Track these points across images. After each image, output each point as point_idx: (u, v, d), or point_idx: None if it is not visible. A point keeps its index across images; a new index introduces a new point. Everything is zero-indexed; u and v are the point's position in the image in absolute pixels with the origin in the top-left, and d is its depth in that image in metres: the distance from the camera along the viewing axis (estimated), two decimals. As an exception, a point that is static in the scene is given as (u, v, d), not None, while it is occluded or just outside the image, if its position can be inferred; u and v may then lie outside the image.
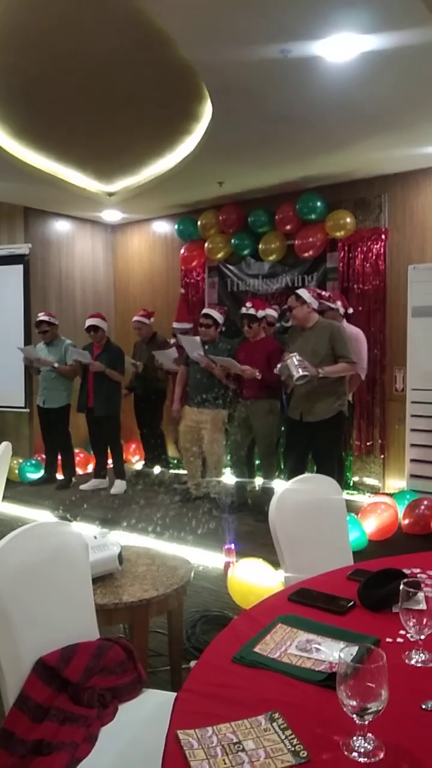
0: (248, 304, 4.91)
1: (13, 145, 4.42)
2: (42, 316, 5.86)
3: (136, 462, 6.84)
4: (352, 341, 4.40)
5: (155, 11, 2.82)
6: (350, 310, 5.27)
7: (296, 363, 3.98)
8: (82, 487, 5.80)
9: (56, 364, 5.69)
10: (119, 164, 4.99)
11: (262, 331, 4.94)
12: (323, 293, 4.89)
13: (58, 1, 2.72)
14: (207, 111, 4.05)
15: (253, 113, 4.09)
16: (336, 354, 4.19)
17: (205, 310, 5.26)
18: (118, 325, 7.46)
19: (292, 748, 1.03)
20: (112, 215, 7.12)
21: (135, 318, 6.14)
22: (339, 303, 4.98)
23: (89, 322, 5.63)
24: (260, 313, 4.86)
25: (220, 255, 6.34)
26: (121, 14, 2.84)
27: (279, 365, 4.17)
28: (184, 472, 5.80)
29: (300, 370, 3.96)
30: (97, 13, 2.82)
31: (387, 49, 3.15)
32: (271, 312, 5.43)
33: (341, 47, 3.16)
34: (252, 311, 4.83)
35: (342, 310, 5.00)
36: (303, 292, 4.35)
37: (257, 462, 5.37)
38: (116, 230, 7.62)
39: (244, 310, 4.91)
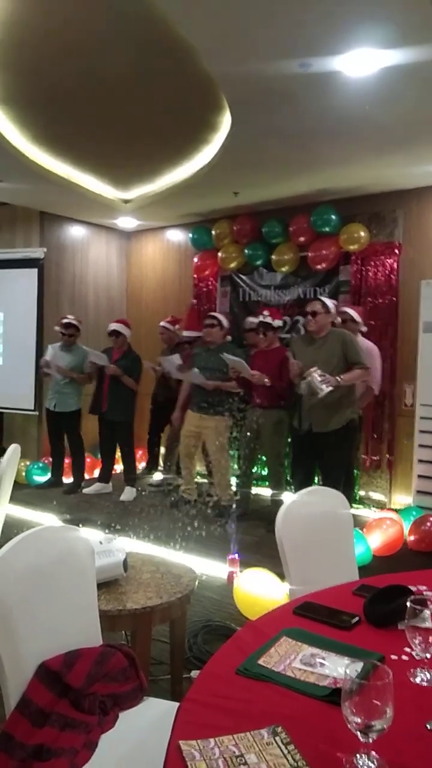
0: (266, 313, 4.98)
1: (31, 150, 4.47)
2: (71, 319, 5.89)
3: (141, 468, 6.85)
4: (365, 353, 4.39)
5: (177, 22, 2.85)
6: (364, 329, 5.26)
7: (319, 379, 3.96)
8: (86, 490, 5.83)
9: (75, 375, 5.73)
10: (136, 172, 5.03)
11: (276, 340, 4.99)
12: (340, 308, 4.89)
13: (81, 10, 2.75)
14: (225, 122, 4.08)
15: (271, 125, 4.11)
16: (349, 361, 4.17)
17: (210, 313, 5.33)
18: (132, 330, 7.46)
19: (295, 764, 1.02)
20: (127, 222, 7.16)
21: (161, 324, 6.20)
22: (359, 318, 4.96)
23: (112, 326, 5.69)
24: (276, 323, 4.92)
25: (233, 265, 6.37)
26: (144, 24, 2.87)
27: (302, 384, 4.14)
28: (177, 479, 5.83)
29: (324, 386, 3.95)
30: (120, 22, 2.85)
31: (407, 64, 3.16)
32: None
33: (361, 62, 3.17)
34: (269, 320, 4.89)
35: (361, 325, 4.98)
36: (328, 302, 4.33)
37: (264, 472, 5.36)
38: (131, 237, 7.66)
39: (261, 318, 4.96)
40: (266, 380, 4.68)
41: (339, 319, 4.42)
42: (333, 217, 5.58)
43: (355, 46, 3.03)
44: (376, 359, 4.97)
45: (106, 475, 5.93)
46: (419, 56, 3.09)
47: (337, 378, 4.03)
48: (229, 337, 5.32)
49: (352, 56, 3.12)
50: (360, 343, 4.48)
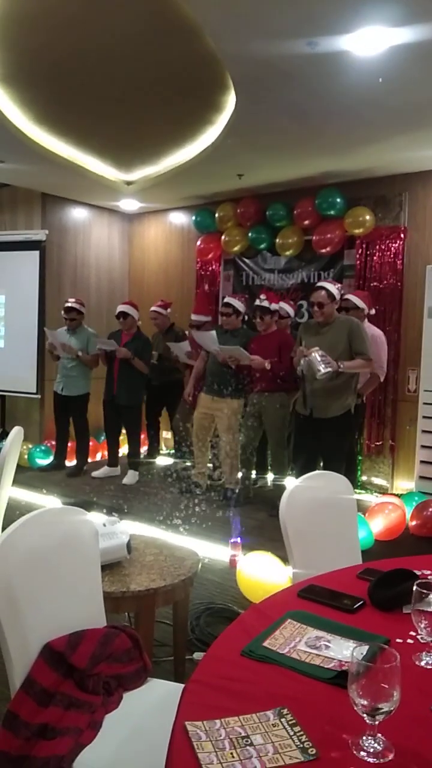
0: (262, 296, 4.93)
1: (34, 130, 4.42)
2: (73, 303, 5.82)
3: (144, 452, 6.85)
4: (370, 341, 4.36)
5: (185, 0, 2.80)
6: (372, 311, 5.21)
7: (319, 359, 3.95)
8: (94, 474, 5.81)
9: (80, 353, 5.70)
10: (139, 153, 4.97)
11: (274, 324, 4.96)
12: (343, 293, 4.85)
13: (86, -15, 2.70)
14: (230, 102, 4.02)
15: (276, 106, 4.05)
16: (353, 350, 4.14)
17: (226, 299, 5.28)
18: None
19: (301, 745, 1.02)
20: (129, 204, 7.10)
21: (152, 308, 6.12)
22: (364, 303, 4.92)
23: (120, 308, 5.63)
24: (273, 306, 4.89)
25: (236, 248, 6.32)
26: (150, 1, 2.82)
27: (302, 361, 4.13)
28: (189, 463, 5.83)
29: (323, 366, 3.94)
30: (128, 1, 2.80)
31: (415, 42, 3.10)
32: (286, 307, 5.40)
33: (369, 41, 3.11)
34: (266, 303, 4.86)
35: (366, 310, 4.94)
36: (332, 288, 4.25)
37: (259, 456, 5.37)
38: (133, 219, 7.60)
39: (258, 302, 4.93)
40: (267, 364, 4.67)
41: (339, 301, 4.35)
42: (338, 200, 5.53)
43: (363, 24, 2.97)
44: (382, 346, 4.94)
45: (114, 459, 5.92)
46: (428, 34, 3.03)
47: (339, 364, 4.01)
48: (245, 317, 5.30)
49: (360, 35, 3.06)
50: (366, 330, 4.44)
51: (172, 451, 6.55)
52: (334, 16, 2.92)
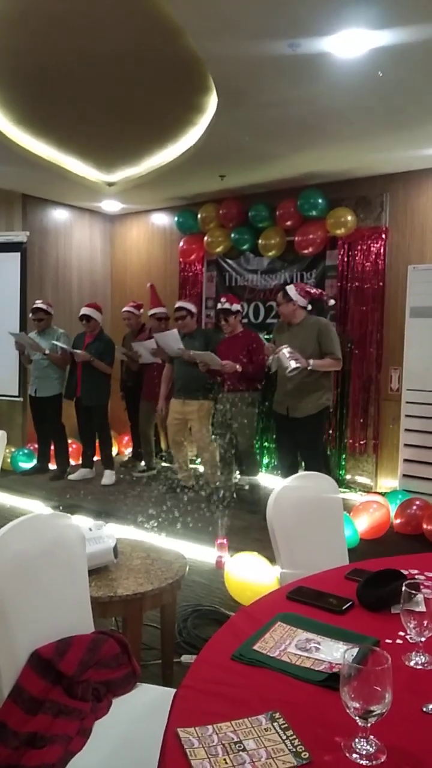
0: (222, 300, 5.01)
1: (14, 131, 4.37)
2: (39, 304, 5.82)
3: (129, 454, 6.82)
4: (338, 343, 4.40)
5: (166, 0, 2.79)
6: (332, 302, 5.18)
7: (288, 355, 4.02)
8: (70, 477, 5.80)
9: (47, 351, 5.66)
10: (120, 154, 4.95)
11: (239, 325, 4.99)
12: (312, 290, 4.87)
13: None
14: (212, 103, 4.02)
15: (258, 107, 4.06)
16: (323, 350, 4.22)
17: (178, 303, 5.36)
18: (115, 316, 7.41)
19: (294, 749, 1.02)
20: (111, 205, 7.07)
21: (124, 309, 6.19)
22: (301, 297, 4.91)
23: (83, 311, 5.65)
24: (234, 307, 4.93)
25: (219, 249, 6.32)
26: (132, 1, 2.81)
27: (270, 358, 4.19)
28: (168, 465, 5.83)
29: (292, 362, 4.00)
30: (109, 1, 2.78)
31: (396, 45, 3.12)
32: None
33: (350, 43, 3.13)
34: (226, 305, 4.91)
35: (304, 304, 4.88)
36: (290, 290, 4.36)
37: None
38: (115, 221, 7.57)
39: (219, 305, 4.98)
40: (237, 367, 4.70)
41: (304, 302, 4.37)
42: (320, 201, 5.55)
43: (344, 26, 2.98)
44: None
45: (88, 461, 5.90)
46: (408, 37, 3.05)
47: (308, 361, 4.05)
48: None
49: (341, 37, 3.07)
50: (333, 327, 4.50)
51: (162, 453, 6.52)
52: (315, 18, 2.93)
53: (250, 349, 4.80)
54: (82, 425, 5.80)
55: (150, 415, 5.88)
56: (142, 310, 6.20)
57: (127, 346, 6.12)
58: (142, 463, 6.16)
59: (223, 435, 5.03)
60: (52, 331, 5.82)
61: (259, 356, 4.72)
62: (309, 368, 4.08)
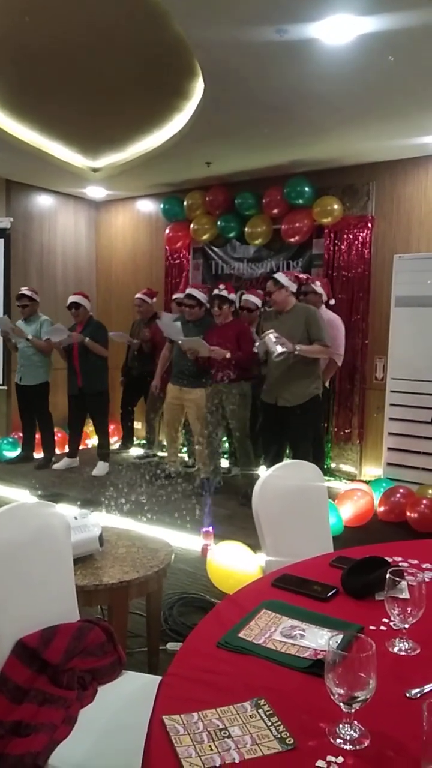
0: (221, 287, 4.97)
1: (-2, 116, 4.31)
2: (24, 291, 5.76)
3: (114, 442, 6.81)
4: (328, 327, 4.42)
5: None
6: (332, 301, 5.28)
7: (274, 340, 4.02)
8: (55, 466, 5.76)
9: (30, 336, 5.61)
10: (106, 140, 4.90)
11: (230, 314, 4.99)
12: (301, 276, 4.89)
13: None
14: (198, 89, 3.98)
15: (245, 93, 4.02)
16: (311, 338, 4.21)
17: (188, 291, 5.27)
18: (100, 303, 7.37)
19: (279, 735, 1.03)
20: (96, 192, 7.00)
21: (137, 295, 6.10)
22: (323, 290, 5.00)
23: (71, 299, 5.57)
24: (232, 296, 4.92)
25: (205, 236, 6.28)
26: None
27: (257, 343, 4.19)
28: (164, 454, 5.83)
29: (278, 346, 4.00)
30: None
31: (384, 31, 3.10)
32: (253, 299, 5.40)
33: (338, 29, 3.11)
34: (224, 293, 4.89)
35: (325, 297, 5.02)
36: (280, 276, 4.36)
37: (230, 445, 5.40)
38: (100, 207, 7.50)
39: (216, 291, 4.96)
40: (227, 354, 4.70)
41: (294, 288, 4.40)
42: (306, 189, 5.54)
43: (331, 12, 2.96)
44: (340, 330, 5.02)
45: (73, 450, 5.88)
46: (396, 24, 3.03)
47: (295, 346, 4.06)
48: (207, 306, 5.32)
49: (329, 23, 3.05)
50: (323, 315, 4.53)
51: (144, 442, 6.54)
52: (303, 4, 2.90)
53: (239, 338, 4.80)
54: (74, 413, 5.75)
55: (157, 403, 5.85)
56: (155, 299, 6.15)
57: (136, 334, 6.08)
58: (141, 450, 6.15)
59: (215, 424, 5.03)
60: (36, 317, 5.76)
61: (247, 345, 4.72)
62: (296, 353, 4.08)
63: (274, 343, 4.01)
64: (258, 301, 5.42)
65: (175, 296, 5.98)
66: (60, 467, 5.74)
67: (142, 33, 3.29)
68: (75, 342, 5.42)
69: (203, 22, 3.09)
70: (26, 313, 5.72)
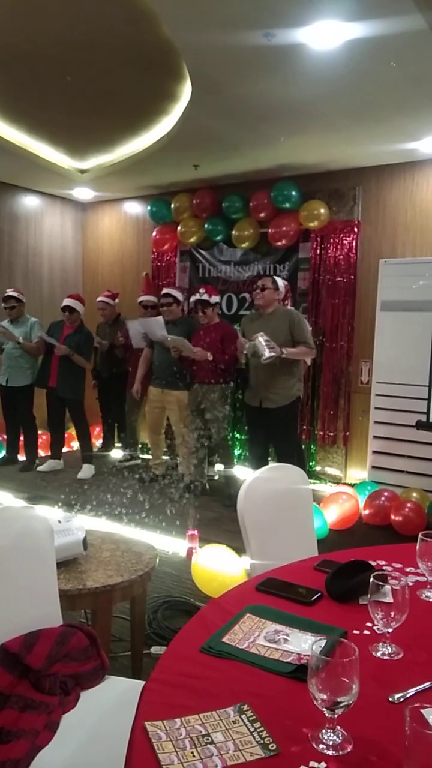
0: (201, 290, 4.98)
1: (-16, 115, 4.28)
2: (10, 292, 5.72)
3: (99, 445, 6.78)
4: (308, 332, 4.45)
5: (139, -16, 2.74)
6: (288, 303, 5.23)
7: (264, 343, 4.04)
8: (39, 468, 5.73)
9: (21, 340, 5.57)
10: (93, 141, 4.88)
11: (215, 316, 5.00)
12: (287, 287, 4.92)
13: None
14: (186, 92, 3.98)
15: (233, 97, 4.03)
16: (295, 340, 4.25)
17: (164, 290, 5.32)
18: (86, 305, 7.32)
19: (261, 741, 1.03)
20: (83, 193, 6.97)
21: (99, 298, 6.13)
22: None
23: (66, 302, 5.55)
24: (213, 299, 4.93)
25: (192, 239, 6.28)
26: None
27: (246, 345, 4.19)
28: (149, 457, 5.81)
29: (268, 350, 4.02)
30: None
31: (371, 37, 3.13)
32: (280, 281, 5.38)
33: (326, 35, 3.12)
34: (205, 297, 4.90)
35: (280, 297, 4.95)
36: (279, 279, 4.43)
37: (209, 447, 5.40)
38: (87, 208, 7.47)
39: (197, 296, 4.98)
40: (209, 356, 4.70)
41: (282, 294, 4.45)
42: (293, 193, 5.56)
43: (319, 17, 2.97)
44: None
45: (57, 452, 5.84)
46: (382, 30, 3.05)
47: (282, 349, 4.08)
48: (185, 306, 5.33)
49: (317, 28, 3.06)
50: (303, 316, 4.59)
51: (121, 445, 6.52)
52: (291, 9, 2.91)
53: (223, 340, 4.81)
54: (53, 416, 5.73)
55: (135, 405, 5.84)
56: (117, 300, 6.14)
57: (100, 335, 6.07)
58: (121, 453, 6.15)
59: (196, 426, 5.03)
60: (24, 319, 5.73)
61: (231, 348, 4.73)
62: (282, 356, 4.09)
63: (264, 346, 4.02)
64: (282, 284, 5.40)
65: (140, 299, 5.97)
66: (44, 469, 5.71)
67: (130, 34, 3.28)
68: (62, 354, 5.39)
69: (192, 26, 3.10)
70: (13, 315, 5.68)
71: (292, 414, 4.41)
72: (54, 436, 5.84)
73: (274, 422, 4.34)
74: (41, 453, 6.06)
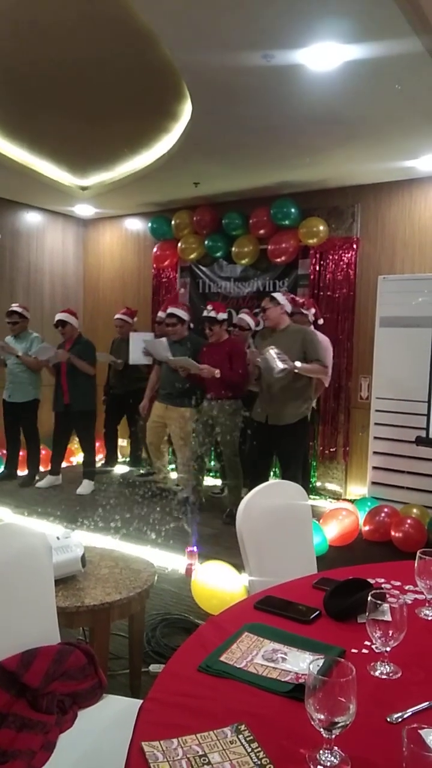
0: (209, 307, 4.98)
1: (-13, 134, 4.33)
2: (15, 307, 5.73)
3: (99, 461, 6.77)
4: (323, 348, 4.45)
5: (141, 9, 2.79)
6: (321, 321, 5.32)
7: (275, 356, 3.98)
8: (39, 484, 5.71)
9: (20, 353, 5.58)
10: (94, 159, 4.94)
11: (224, 333, 5.00)
12: (297, 299, 4.93)
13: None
14: (186, 111, 4.04)
15: (232, 116, 4.09)
16: (308, 358, 4.20)
17: (169, 309, 5.29)
18: (86, 321, 7.37)
19: (258, 762, 1.02)
20: (84, 210, 7.03)
21: (117, 316, 6.14)
22: (312, 310, 5.03)
23: (58, 316, 5.54)
24: (220, 316, 4.94)
25: (193, 256, 6.33)
26: (107, 9, 2.81)
27: (258, 359, 4.17)
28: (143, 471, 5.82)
29: (280, 362, 3.97)
30: (83, 6, 2.78)
31: (369, 59, 3.18)
32: (247, 318, 5.46)
33: (323, 56, 3.17)
34: (213, 314, 4.91)
35: (312, 318, 5.06)
36: (278, 295, 4.40)
37: (222, 464, 5.38)
38: (88, 225, 7.53)
39: (205, 313, 4.97)
40: (216, 373, 4.70)
41: (289, 308, 4.45)
42: (292, 210, 5.60)
43: (317, 39, 3.02)
44: (329, 351, 5.05)
45: (56, 468, 5.82)
46: (380, 51, 3.10)
47: (295, 363, 4.06)
48: (191, 324, 5.33)
49: (315, 49, 3.11)
50: (317, 334, 4.56)
51: (128, 459, 6.51)
52: (289, 31, 2.96)
53: (232, 356, 4.81)
54: (59, 431, 5.70)
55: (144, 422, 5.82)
56: (135, 318, 6.15)
57: (116, 353, 6.08)
58: (127, 468, 6.16)
59: (204, 443, 5.02)
60: (27, 334, 5.74)
61: (239, 363, 4.72)
62: (296, 370, 4.07)
63: (275, 359, 3.97)
64: (251, 322, 5.45)
65: (159, 314, 5.98)
66: (43, 485, 5.69)
67: (132, 56, 3.34)
68: (62, 360, 5.39)
69: (191, 47, 3.15)
70: (16, 330, 5.69)
71: (300, 432, 4.36)
72: (56, 452, 5.82)
73: (281, 440, 4.31)
74: (41, 468, 6.05)
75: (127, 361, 5.84)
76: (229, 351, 4.85)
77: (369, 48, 3.08)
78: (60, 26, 2.96)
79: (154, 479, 5.63)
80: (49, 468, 5.90)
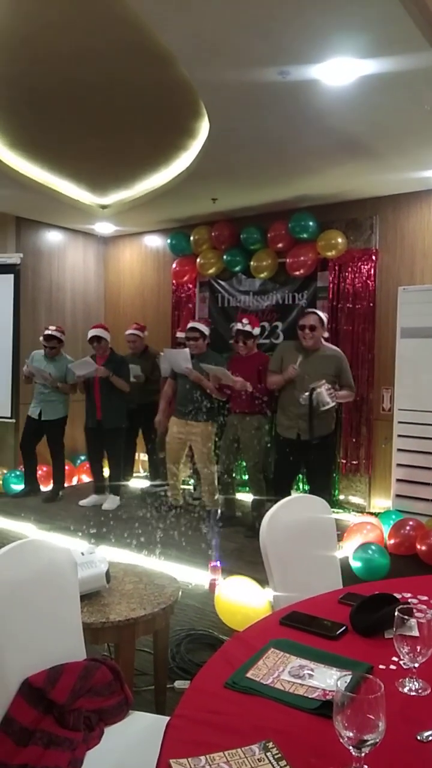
0: (245, 321, 4.97)
1: (8, 155, 4.42)
2: (53, 331, 5.76)
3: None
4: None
5: (158, 29, 2.85)
6: (326, 334, 5.27)
7: (326, 393, 4.26)
8: (82, 503, 5.66)
9: (59, 384, 5.65)
10: (114, 178, 5.01)
11: (255, 347, 5.01)
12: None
13: (63, 15, 2.73)
14: (204, 128, 4.09)
15: (249, 132, 4.13)
16: (342, 383, 4.42)
17: (191, 324, 5.31)
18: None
19: (287, 780, 1.01)
20: (104, 228, 7.13)
21: (129, 331, 6.16)
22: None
23: (92, 332, 5.54)
24: (255, 331, 4.94)
25: (211, 271, 6.36)
26: (124, 30, 2.86)
27: (306, 394, 4.28)
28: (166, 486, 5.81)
29: (331, 399, 4.27)
30: (101, 28, 2.84)
31: (384, 73, 3.19)
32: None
33: (339, 71, 3.20)
34: (248, 328, 4.90)
35: (326, 335, 5.02)
36: (323, 315, 4.53)
37: (244, 478, 5.36)
38: (108, 243, 7.62)
39: (240, 326, 4.95)
40: (248, 386, 4.70)
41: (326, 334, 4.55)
42: (311, 223, 5.61)
43: (332, 55, 3.05)
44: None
45: (101, 487, 5.77)
46: (395, 66, 3.12)
47: (336, 393, 4.31)
48: (208, 340, 5.34)
49: (330, 65, 3.14)
50: (329, 349, 4.63)
51: (148, 474, 6.51)
52: (304, 47, 2.99)
53: (260, 371, 4.81)
54: (94, 450, 5.71)
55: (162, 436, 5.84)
56: (146, 333, 6.20)
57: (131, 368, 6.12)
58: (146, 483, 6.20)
59: (227, 457, 5.01)
60: (62, 358, 5.80)
61: (266, 377, 4.73)
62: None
63: (326, 396, 4.25)
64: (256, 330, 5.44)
65: (178, 335, 5.99)
66: (87, 504, 5.64)
67: (149, 75, 3.39)
68: (99, 376, 5.41)
69: (208, 65, 3.19)
70: (53, 354, 5.75)
71: (331, 445, 4.52)
72: (96, 471, 5.79)
73: (312, 454, 4.41)
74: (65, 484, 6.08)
75: (150, 375, 5.88)
76: (259, 365, 4.85)
77: (384, 62, 3.10)
78: (81, 48, 3.02)
79: (168, 495, 5.59)
80: (72, 483, 5.91)
